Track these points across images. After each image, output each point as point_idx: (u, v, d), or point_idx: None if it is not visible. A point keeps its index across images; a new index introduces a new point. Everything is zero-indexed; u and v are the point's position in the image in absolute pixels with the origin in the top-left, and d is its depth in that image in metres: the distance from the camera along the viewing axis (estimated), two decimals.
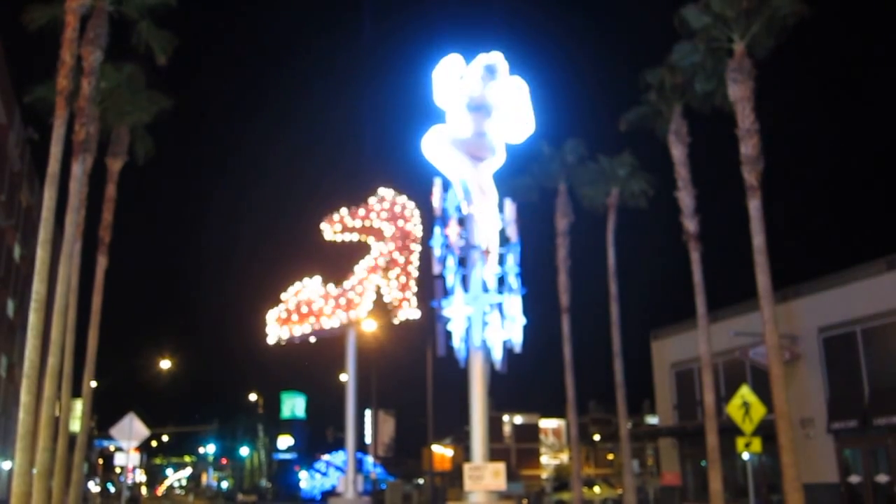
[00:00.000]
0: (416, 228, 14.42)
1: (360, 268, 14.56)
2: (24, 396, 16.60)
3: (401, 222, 14.43)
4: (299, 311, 14.81)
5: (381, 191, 14.69)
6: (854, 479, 24.85)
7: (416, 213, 14.62)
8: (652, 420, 56.67)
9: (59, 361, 18.73)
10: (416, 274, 14.23)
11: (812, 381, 26.65)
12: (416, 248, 14.41)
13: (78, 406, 31.79)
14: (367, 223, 14.51)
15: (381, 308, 14.92)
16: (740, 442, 20.87)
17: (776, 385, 19.81)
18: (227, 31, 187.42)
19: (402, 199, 14.81)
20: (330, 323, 14.58)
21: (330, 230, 14.66)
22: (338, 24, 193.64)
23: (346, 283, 14.74)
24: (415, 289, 14.13)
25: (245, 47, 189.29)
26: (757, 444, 20.74)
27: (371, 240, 14.70)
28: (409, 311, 13.95)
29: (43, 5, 20.78)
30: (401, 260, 14.23)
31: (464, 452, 68.18)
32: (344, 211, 14.71)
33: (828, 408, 25.94)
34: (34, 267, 17.60)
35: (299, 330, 14.76)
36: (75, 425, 30.91)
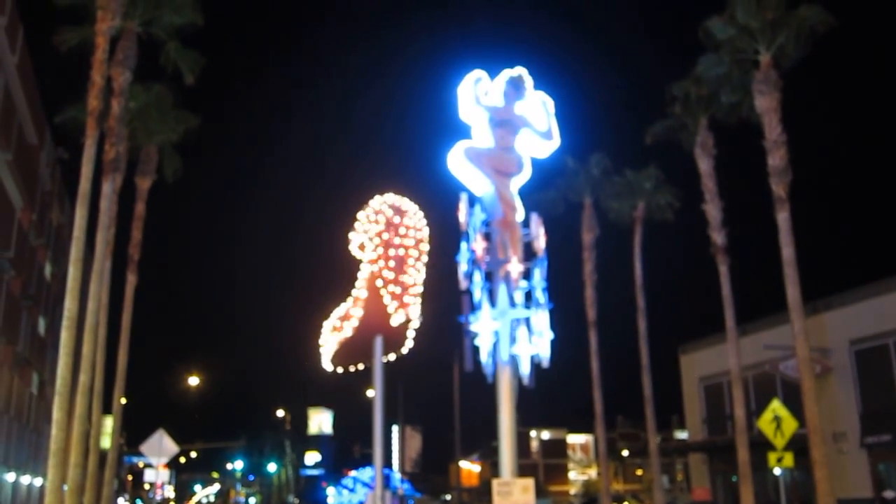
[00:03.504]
0: (411, 232, 14.01)
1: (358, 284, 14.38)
2: (57, 413, 16.76)
3: (389, 231, 14.04)
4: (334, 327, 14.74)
5: (372, 202, 14.36)
6: (889, 494, 24.42)
7: (407, 214, 14.14)
8: (681, 435, 56.14)
9: (91, 378, 18.91)
10: (413, 280, 13.86)
11: (844, 394, 26.30)
12: (412, 253, 14.01)
13: (108, 423, 32.08)
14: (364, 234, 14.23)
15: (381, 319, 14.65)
16: (772, 457, 20.61)
17: (808, 399, 19.56)
18: (254, 50, 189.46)
19: (385, 204, 14.35)
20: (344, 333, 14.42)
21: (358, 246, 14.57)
22: (364, 43, 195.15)
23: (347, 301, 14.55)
24: (411, 297, 13.78)
25: (272, 67, 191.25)
26: (789, 459, 20.47)
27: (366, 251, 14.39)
28: (400, 317, 13.62)
29: (73, 27, 21.12)
30: (389, 271, 13.90)
31: (491, 468, 67.83)
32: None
33: (861, 422, 25.57)
34: (65, 285, 17.81)
35: (340, 337, 14.49)
36: (106, 442, 31.20)
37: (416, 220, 14.14)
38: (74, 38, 21.06)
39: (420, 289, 13.85)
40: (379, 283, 13.67)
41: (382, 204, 14.24)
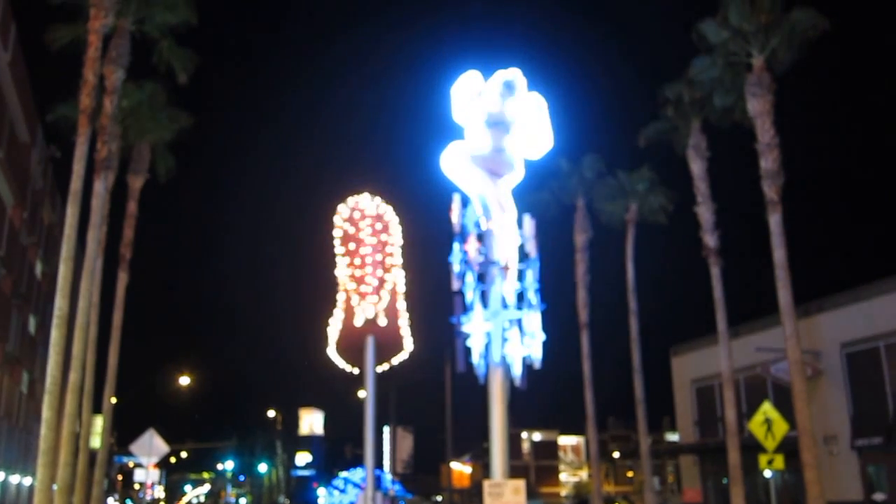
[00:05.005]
0: (364, 225, 13.78)
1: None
2: (46, 412, 16.69)
3: (350, 231, 13.85)
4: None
5: (340, 207, 14.16)
6: (878, 496, 24.51)
7: (370, 214, 13.88)
8: (672, 437, 56.26)
9: (81, 377, 18.83)
10: (376, 281, 13.73)
11: (835, 397, 26.36)
12: (377, 253, 13.84)
13: (98, 422, 31.95)
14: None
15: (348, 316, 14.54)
16: (763, 459, 20.64)
17: (799, 401, 19.62)
18: (247, 49, 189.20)
19: (349, 206, 14.15)
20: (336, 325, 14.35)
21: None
22: (359, 42, 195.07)
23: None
24: (372, 297, 13.65)
25: (266, 65, 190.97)
26: (780, 461, 20.51)
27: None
28: (360, 319, 13.50)
29: (66, 25, 21.05)
30: (351, 272, 13.80)
31: (482, 469, 67.84)
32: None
33: (851, 424, 25.64)
34: (56, 283, 17.74)
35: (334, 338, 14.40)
36: (96, 441, 31.04)
37: (379, 220, 13.86)
38: (67, 36, 21.00)
39: (386, 290, 13.72)
40: (347, 284, 13.60)
41: (347, 206, 14.09)
